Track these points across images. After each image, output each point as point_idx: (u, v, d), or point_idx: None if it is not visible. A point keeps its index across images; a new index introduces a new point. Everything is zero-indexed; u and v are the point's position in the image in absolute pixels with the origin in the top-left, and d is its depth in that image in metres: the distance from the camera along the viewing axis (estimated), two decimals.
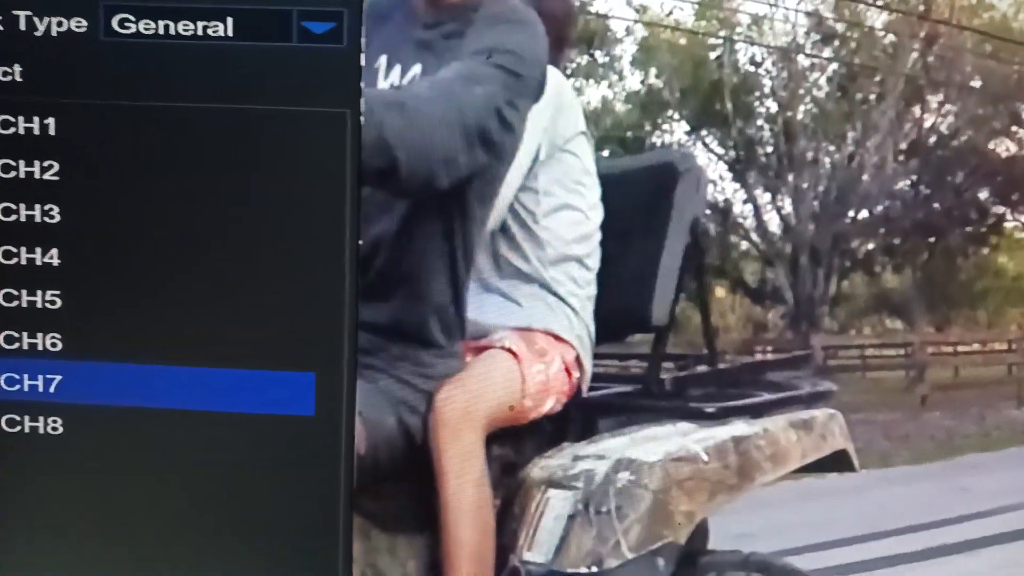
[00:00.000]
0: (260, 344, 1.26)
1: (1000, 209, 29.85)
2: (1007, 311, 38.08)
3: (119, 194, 1.25)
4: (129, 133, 1.25)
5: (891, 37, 25.27)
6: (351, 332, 1.27)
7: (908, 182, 26.92)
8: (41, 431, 1.27)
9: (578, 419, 2.77)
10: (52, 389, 1.27)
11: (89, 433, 1.27)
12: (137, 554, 1.27)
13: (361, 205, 1.27)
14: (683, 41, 25.81)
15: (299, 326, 1.26)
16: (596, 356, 2.82)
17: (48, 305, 1.26)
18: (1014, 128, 28.62)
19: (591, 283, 2.83)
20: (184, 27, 1.25)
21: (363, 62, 1.27)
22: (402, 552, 2.33)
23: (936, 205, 27.06)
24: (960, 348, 28.25)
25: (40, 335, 1.26)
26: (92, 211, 1.25)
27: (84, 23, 1.24)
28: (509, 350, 2.57)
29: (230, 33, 1.25)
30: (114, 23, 1.24)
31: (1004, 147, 28.82)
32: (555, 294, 2.74)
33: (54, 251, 1.25)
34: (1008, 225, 31.83)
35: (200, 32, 1.25)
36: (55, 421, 1.27)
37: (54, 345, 1.26)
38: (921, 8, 25.01)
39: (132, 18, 1.24)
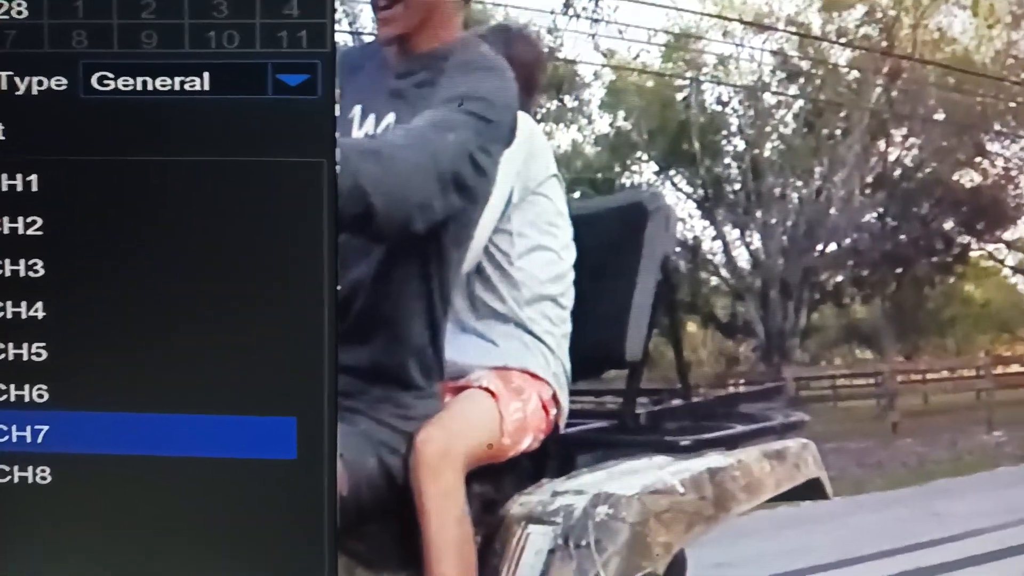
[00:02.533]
0: (242, 390, 1.26)
1: (965, 239, 29.95)
2: (975, 338, 38.19)
3: (102, 247, 1.26)
4: (111, 187, 1.26)
5: (855, 73, 25.41)
6: (331, 376, 1.27)
7: (875, 214, 26.99)
8: (30, 480, 1.27)
9: (556, 455, 2.77)
10: (40, 440, 1.27)
11: (77, 481, 1.27)
12: None
13: (339, 251, 1.28)
14: (650, 83, 25.89)
15: (280, 371, 1.27)
16: (572, 393, 2.82)
17: (34, 358, 1.26)
18: (978, 159, 28.76)
19: (566, 321, 2.84)
20: (162, 83, 1.26)
21: (337, 112, 1.28)
22: None
23: (903, 236, 27.13)
24: (929, 376, 28.33)
25: (27, 387, 1.26)
26: (76, 264, 1.26)
27: (64, 81, 1.25)
28: (487, 389, 2.57)
29: (207, 87, 1.27)
30: (93, 81, 1.25)
31: (968, 178, 28.94)
32: (531, 333, 2.74)
33: (39, 304, 1.26)
34: (974, 254, 31.94)
35: (177, 87, 1.26)
36: (44, 470, 1.27)
37: (40, 396, 1.26)
38: (884, 44, 25.15)
39: (111, 75, 1.25)
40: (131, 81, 1.25)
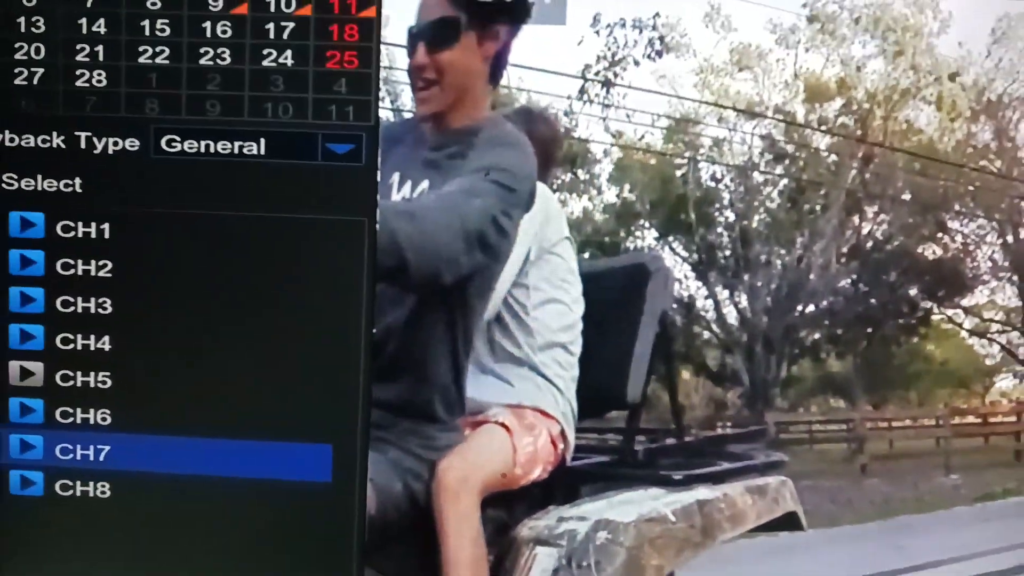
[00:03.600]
0: (285, 419, 1.26)
1: (928, 304, 29.88)
2: (935, 392, 38.04)
3: (164, 289, 1.26)
4: (174, 237, 1.26)
5: (834, 157, 25.48)
6: (365, 408, 1.26)
7: (849, 280, 26.95)
8: (91, 495, 1.26)
9: (562, 485, 2.75)
10: (102, 458, 1.26)
11: (133, 497, 1.26)
12: None
13: (375, 299, 1.27)
14: (653, 161, 25.96)
15: (320, 404, 1.26)
16: (578, 430, 2.81)
17: (100, 385, 1.26)
18: (940, 235, 28.77)
19: (574, 366, 2.83)
20: (223, 147, 1.26)
21: (379, 178, 1.28)
22: None
23: (873, 300, 27.08)
24: (895, 424, 28.19)
25: (92, 411, 1.26)
26: (139, 304, 1.26)
27: (137, 143, 1.25)
28: (503, 425, 2.56)
29: (263, 152, 1.26)
30: (163, 143, 1.26)
31: (931, 251, 28.95)
32: (543, 376, 2.73)
33: (106, 338, 1.26)
34: (935, 318, 31.85)
35: (237, 151, 1.26)
36: (104, 486, 1.26)
37: (104, 420, 1.26)
38: (859, 132, 25.22)
39: (178, 139, 1.25)
40: (196, 144, 1.26)
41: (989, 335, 34.44)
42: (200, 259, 1.26)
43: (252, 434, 1.26)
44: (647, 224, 27.13)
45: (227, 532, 1.26)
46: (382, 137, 1.31)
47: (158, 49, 1.25)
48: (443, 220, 2.07)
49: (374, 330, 1.29)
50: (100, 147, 1.25)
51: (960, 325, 34.07)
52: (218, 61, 1.26)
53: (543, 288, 2.78)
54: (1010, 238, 29.65)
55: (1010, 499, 15.75)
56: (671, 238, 26.76)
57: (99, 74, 1.25)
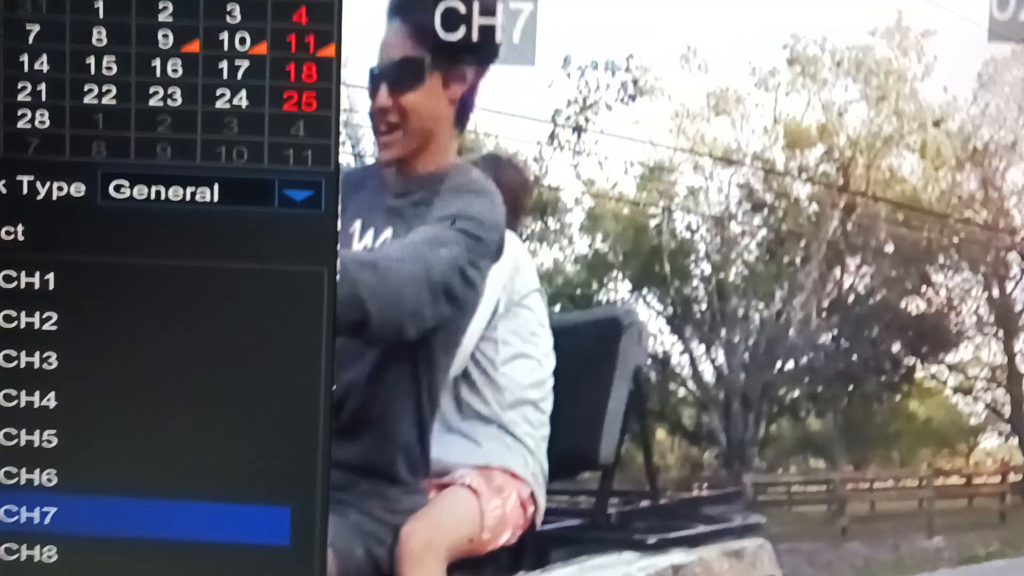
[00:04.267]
0: (241, 480, 1.24)
1: (911, 360, 30.02)
2: (918, 451, 38.14)
3: (112, 343, 1.24)
4: (123, 287, 1.24)
5: (814, 206, 25.65)
6: (324, 469, 1.25)
7: (830, 336, 27.07)
8: (37, 559, 1.24)
9: (532, 550, 2.73)
10: (47, 521, 1.24)
11: (81, 561, 1.24)
12: None
13: (335, 353, 1.26)
14: (626, 210, 26.08)
15: (277, 464, 1.24)
16: (549, 492, 2.80)
17: (45, 444, 1.24)
18: (923, 288, 28.96)
19: (545, 425, 2.82)
20: (174, 193, 1.24)
21: (339, 226, 1.27)
22: None
23: (855, 357, 27.19)
24: (876, 484, 28.25)
25: (37, 471, 1.24)
26: (87, 358, 1.24)
27: (83, 188, 1.24)
28: (469, 487, 2.54)
29: (216, 199, 1.25)
30: (110, 188, 1.24)
31: (915, 305, 29.13)
32: (512, 435, 2.72)
33: (51, 394, 1.24)
34: (918, 375, 32.00)
35: (189, 197, 1.25)
36: (50, 550, 1.24)
37: (49, 480, 1.24)
38: (840, 181, 25.42)
39: (127, 184, 1.24)
40: (145, 190, 1.24)
41: (974, 393, 34.62)
42: (151, 311, 1.24)
43: (206, 496, 1.24)
44: (620, 276, 27.21)
45: None
46: (343, 183, 1.30)
47: (105, 88, 1.24)
48: (407, 271, 2.06)
49: (334, 386, 1.27)
50: (44, 192, 1.24)
51: (944, 382, 34.23)
52: (168, 102, 1.25)
53: (512, 342, 2.78)
54: (996, 292, 29.87)
55: (994, 562, 15.80)
56: (645, 291, 26.84)
57: (42, 114, 1.24)
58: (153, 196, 1.25)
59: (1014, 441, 32.84)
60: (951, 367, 32.38)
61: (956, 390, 34.79)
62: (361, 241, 2.37)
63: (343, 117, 1.30)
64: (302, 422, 1.25)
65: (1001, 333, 30.52)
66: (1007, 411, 32.23)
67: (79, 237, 1.24)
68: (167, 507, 1.24)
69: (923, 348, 29.11)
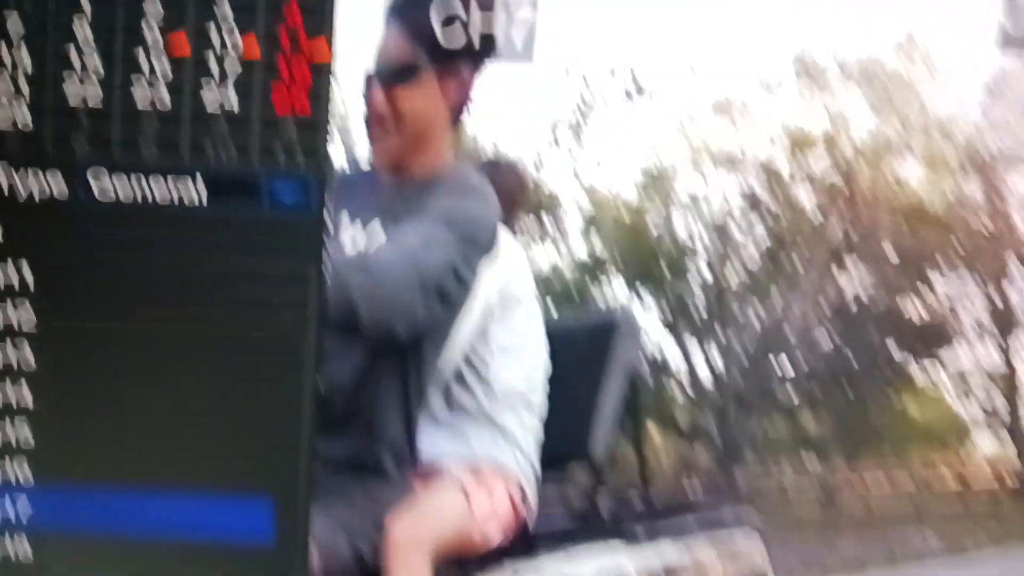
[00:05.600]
0: (224, 475, 1.23)
1: (908, 362, 30.04)
2: (911, 450, 38.16)
3: (94, 340, 1.23)
4: (106, 286, 1.23)
5: (818, 215, 25.57)
6: (309, 463, 1.24)
7: (828, 339, 27.04)
8: (12, 558, 1.23)
9: (520, 540, 2.72)
10: (23, 518, 1.23)
11: (57, 559, 1.23)
12: None
13: (323, 350, 1.26)
14: (626, 215, 26.02)
15: (261, 458, 1.24)
16: (539, 489, 2.79)
17: (22, 441, 1.23)
18: (923, 293, 28.94)
19: (537, 426, 2.81)
20: (160, 193, 1.24)
21: (331, 228, 1.27)
22: None
23: (852, 360, 27.17)
24: (869, 481, 28.25)
25: (13, 467, 1.23)
26: (66, 355, 1.23)
27: (66, 186, 1.23)
28: (458, 482, 2.53)
29: (204, 199, 1.25)
30: (94, 188, 1.23)
31: (914, 309, 29.12)
32: (503, 433, 2.72)
33: (29, 391, 1.23)
34: (915, 376, 32.01)
35: (176, 198, 1.24)
36: (25, 548, 1.23)
37: (26, 477, 1.23)
38: (844, 188, 25.36)
39: (111, 184, 1.23)
40: (131, 190, 1.24)
41: (970, 395, 34.61)
42: (134, 310, 1.24)
43: (187, 492, 1.23)
44: (618, 279, 27.17)
45: None
46: (336, 185, 1.30)
47: (89, 87, 1.23)
48: (399, 271, 2.05)
49: (321, 383, 1.27)
50: (24, 192, 1.23)
51: (940, 385, 34.23)
52: (155, 101, 1.24)
53: (505, 342, 2.77)
54: (996, 297, 29.86)
55: (985, 556, 15.81)
56: (642, 293, 26.79)
57: (24, 112, 1.23)
58: (139, 196, 1.24)
59: (1010, 446, 32.82)
60: (947, 369, 32.40)
61: (953, 392, 34.81)
62: (354, 243, 2.36)
63: (336, 119, 1.30)
64: (287, 418, 1.25)
65: (999, 336, 30.51)
66: (1004, 414, 32.21)
67: (61, 237, 1.23)
68: (147, 504, 1.23)
69: (921, 351, 29.11)
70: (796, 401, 28.60)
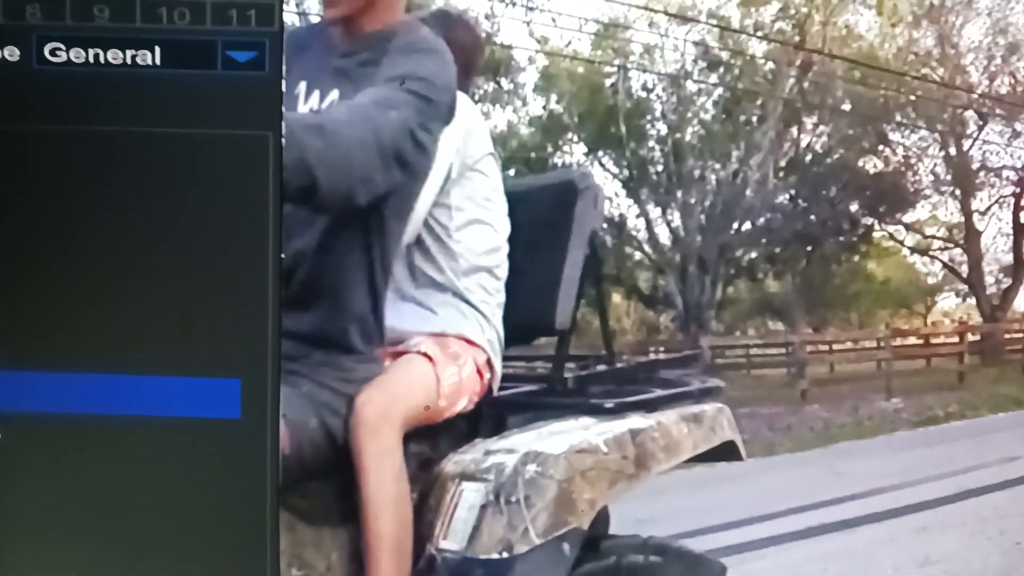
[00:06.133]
0: (189, 352, 1.23)
1: (869, 220, 30.38)
2: (876, 312, 38.82)
3: (51, 214, 1.22)
4: (61, 155, 1.22)
5: (770, 65, 25.62)
6: (275, 340, 1.24)
7: (787, 196, 27.26)
8: None
9: (489, 417, 2.76)
10: None
11: (26, 440, 1.23)
12: (72, 554, 1.24)
13: (283, 221, 1.25)
14: (580, 69, 25.94)
15: (226, 335, 1.23)
16: (505, 358, 2.82)
17: None
18: (881, 147, 29.15)
19: (500, 291, 2.83)
20: (113, 56, 1.22)
21: (284, 88, 1.25)
22: (326, 544, 2.30)
23: (812, 217, 27.42)
24: (835, 346, 28.80)
25: None
26: (24, 230, 1.21)
27: (17, 52, 1.21)
28: (425, 354, 2.55)
29: (157, 61, 1.23)
30: (46, 52, 1.21)
31: (872, 164, 29.36)
32: (467, 302, 2.73)
33: None
34: (876, 235, 32.42)
35: (129, 61, 1.22)
36: None
37: None
38: (796, 39, 25.36)
39: (63, 47, 1.21)
40: (83, 53, 1.21)
41: (931, 252, 35.12)
42: (90, 179, 1.22)
43: (152, 369, 1.22)
44: (575, 138, 27.20)
45: (129, 476, 1.23)
46: (287, 43, 1.27)
47: None
48: (356, 134, 2.02)
49: (283, 255, 1.26)
50: None
51: (901, 242, 34.74)
52: None
53: (466, 208, 2.77)
54: (952, 150, 30.15)
55: (952, 423, 16.14)
56: (600, 153, 26.86)
57: None
58: (91, 60, 1.22)
59: (971, 300, 33.42)
60: (908, 226, 32.87)
61: (914, 250, 35.34)
62: (307, 103, 2.34)
63: None
64: (250, 292, 1.24)
65: (958, 192, 30.90)
66: (964, 270, 32.77)
67: (14, 104, 1.21)
68: (112, 382, 1.23)
69: (881, 207, 29.45)
70: (757, 261, 28.90)
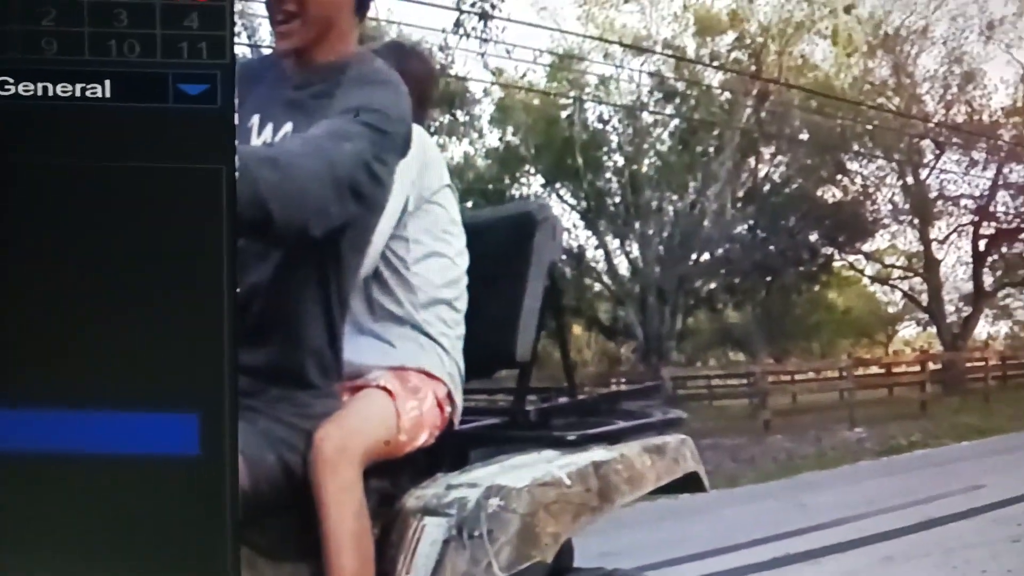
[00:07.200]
0: (145, 388, 1.22)
1: (829, 250, 30.54)
2: (838, 342, 39.04)
3: (3, 249, 1.21)
4: (11, 190, 1.21)
5: (727, 95, 25.80)
6: (231, 374, 1.24)
7: (746, 226, 27.39)
8: None
9: (450, 451, 2.75)
10: None
11: None
12: None
13: (238, 255, 1.24)
14: (536, 101, 26.03)
15: (182, 371, 1.23)
16: (466, 391, 2.81)
17: None
18: (839, 176, 29.38)
19: (460, 324, 2.82)
20: (63, 89, 1.21)
21: (236, 121, 1.25)
22: None
23: (771, 247, 27.55)
24: (797, 376, 28.91)
25: None
26: None
27: None
28: (384, 388, 2.55)
29: (108, 95, 1.22)
30: None
31: (831, 193, 29.58)
32: (427, 335, 2.73)
33: None
34: (836, 264, 32.61)
35: (79, 94, 1.22)
36: None
37: None
38: (753, 68, 25.56)
39: (11, 80, 1.21)
40: (31, 86, 1.21)
41: (891, 281, 35.38)
42: (41, 214, 1.21)
43: (110, 405, 1.22)
44: (532, 170, 27.27)
45: (88, 513, 1.22)
46: (239, 76, 1.27)
47: None
48: (310, 167, 2.02)
49: (237, 289, 1.26)
50: None
51: (862, 272, 34.97)
52: None
53: (424, 241, 2.77)
54: (910, 179, 30.42)
55: (915, 451, 16.23)
56: (558, 184, 26.94)
57: None
58: (40, 93, 1.21)
59: (932, 329, 33.66)
60: (868, 256, 33.09)
61: (874, 279, 35.59)
62: (260, 136, 2.34)
63: (238, 7, 1.27)
64: (206, 326, 1.24)
65: (916, 220, 31.18)
66: (924, 299, 33.01)
67: None
68: (69, 419, 1.22)
69: (840, 237, 29.63)
70: (716, 292, 29.01)
